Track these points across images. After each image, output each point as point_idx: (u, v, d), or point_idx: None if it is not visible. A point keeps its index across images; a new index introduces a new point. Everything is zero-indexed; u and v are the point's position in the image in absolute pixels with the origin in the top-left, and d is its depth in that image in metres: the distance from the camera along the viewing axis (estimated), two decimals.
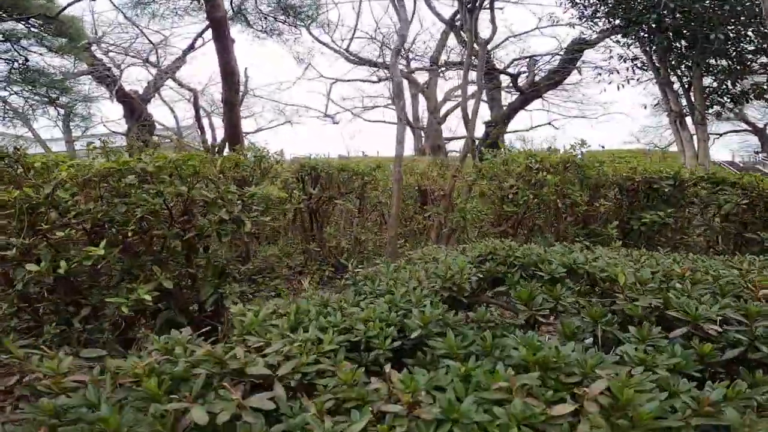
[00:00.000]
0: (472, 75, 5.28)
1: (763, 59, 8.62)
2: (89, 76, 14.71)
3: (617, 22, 9.40)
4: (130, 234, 2.02)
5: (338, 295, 1.56)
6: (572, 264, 1.63)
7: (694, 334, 1.22)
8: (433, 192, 5.00)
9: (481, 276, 1.66)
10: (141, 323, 2.20)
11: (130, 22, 14.57)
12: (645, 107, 17.88)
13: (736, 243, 4.00)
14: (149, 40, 15.53)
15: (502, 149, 3.73)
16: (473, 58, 4.67)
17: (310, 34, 16.73)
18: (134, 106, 15.15)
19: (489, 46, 16.49)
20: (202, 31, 15.45)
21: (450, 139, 21.69)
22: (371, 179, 4.31)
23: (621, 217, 3.91)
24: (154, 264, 1.98)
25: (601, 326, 1.28)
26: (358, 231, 4.08)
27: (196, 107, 17.23)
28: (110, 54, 15.47)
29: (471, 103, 4.75)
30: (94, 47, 14.44)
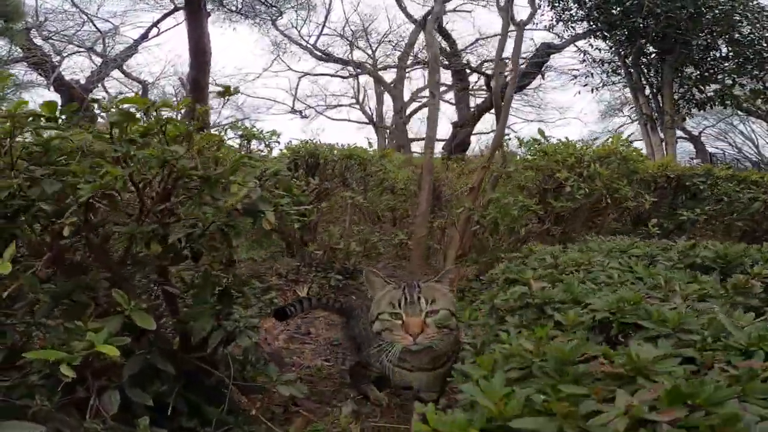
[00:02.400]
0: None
1: (730, 66, 9.03)
2: (24, 63, 12.75)
3: (597, 25, 9.45)
4: (66, 232, 1.17)
5: None
6: None
7: None
8: (440, 188, 4.41)
9: None
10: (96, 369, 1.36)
11: (78, 9, 12.89)
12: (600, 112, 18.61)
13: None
14: (96, 28, 13.88)
15: (543, 139, 3.21)
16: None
17: (276, 28, 15.76)
18: (74, 96, 13.32)
19: (459, 46, 16.43)
20: (158, 21, 14.11)
21: (413, 140, 21.39)
22: (380, 169, 3.63)
23: (657, 213, 3.56)
24: (115, 285, 1.18)
25: None
26: (368, 231, 3.37)
27: None
28: (50, 41, 13.56)
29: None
30: (33, 32, 12.58)
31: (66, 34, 13.72)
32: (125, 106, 1.20)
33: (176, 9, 14.61)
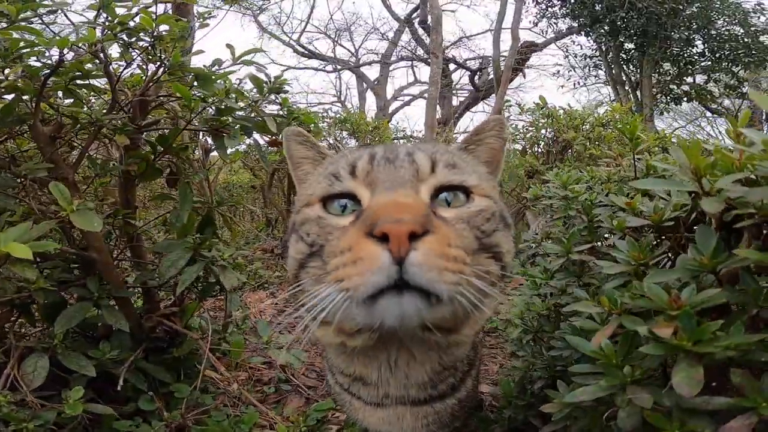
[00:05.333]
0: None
1: (706, 62, 9.27)
2: None
3: (581, 21, 9.51)
4: (10, 75, 0.88)
5: None
6: None
7: None
8: None
9: None
10: (18, 322, 1.01)
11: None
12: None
13: None
14: (70, 21, 13.08)
15: (543, 104, 3.02)
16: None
17: (259, 25, 15.31)
18: None
19: (444, 44, 16.43)
20: (135, 14, 13.44)
21: (394, 139, 21.19)
22: (375, 138, 3.34)
23: None
24: (42, 184, 0.84)
25: None
26: None
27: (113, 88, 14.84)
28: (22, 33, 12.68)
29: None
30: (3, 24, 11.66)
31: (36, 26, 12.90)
32: None
33: (155, 3, 13.99)
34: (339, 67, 18.04)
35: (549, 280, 0.76)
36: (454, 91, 16.34)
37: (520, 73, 14.71)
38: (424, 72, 18.86)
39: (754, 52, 8.78)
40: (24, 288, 0.88)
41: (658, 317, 0.35)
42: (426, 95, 18.18)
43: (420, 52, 15.98)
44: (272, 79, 1.39)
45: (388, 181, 0.55)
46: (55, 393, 0.92)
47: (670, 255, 0.43)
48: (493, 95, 16.17)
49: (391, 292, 0.47)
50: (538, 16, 10.52)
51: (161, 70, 1.06)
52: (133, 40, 1.02)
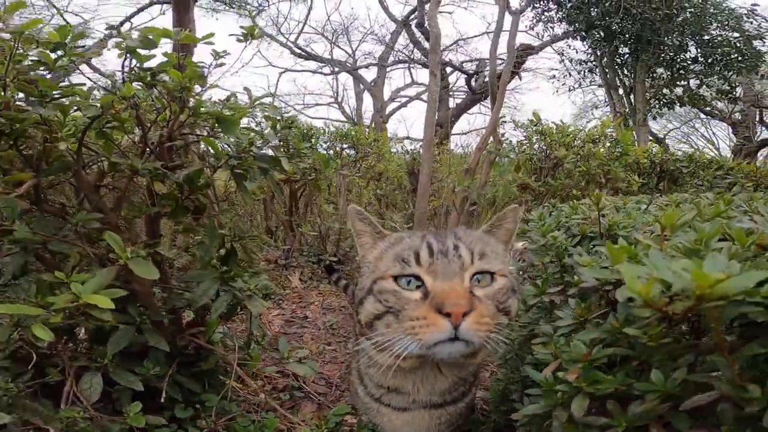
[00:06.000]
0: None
1: (699, 67, 9.44)
2: None
3: (576, 25, 9.66)
4: (62, 146, 1.01)
5: None
6: None
7: None
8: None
9: None
10: (72, 350, 1.16)
11: (48, 2, 12.21)
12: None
13: None
14: (66, 22, 13.16)
15: (537, 121, 3.18)
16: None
17: (257, 26, 15.38)
18: None
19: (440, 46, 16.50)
20: (132, 15, 13.56)
21: (392, 139, 21.33)
22: (374, 151, 3.49)
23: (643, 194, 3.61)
24: (109, 230, 0.98)
25: None
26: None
27: None
28: None
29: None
30: (1, 25, 11.74)
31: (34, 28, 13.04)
32: (149, 35, 1.02)
33: (152, 3, 14.07)
34: (337, 69, 18.09)
35: (527, 311, 0.92)
36: (450, 93, 16.48)
37: (516, 76, 14.87)
38: (421, 73, 18.97)
39: (746, 57, 8.96)
40: (73, 315, 1.03)
41: (572, 366, 0.52)
42: (424, 97, 18.22)
43: (417, 54, 16.07)
44: (284, 117, 1.54)
45: (444, 273, 0.81)
46: (100, 405, 1.07)
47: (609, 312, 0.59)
48: (483, 101, 16.33)
49: (446, 341, 0.76)
50: (534, 20, 10.68)
51: (185, 114, 1.19)
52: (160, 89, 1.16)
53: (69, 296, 0.77)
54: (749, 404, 0.41)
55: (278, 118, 1.46)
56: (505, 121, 3.42)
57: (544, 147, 3.00)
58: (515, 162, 3.09)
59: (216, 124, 1.19)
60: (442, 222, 3.33)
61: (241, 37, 1.35)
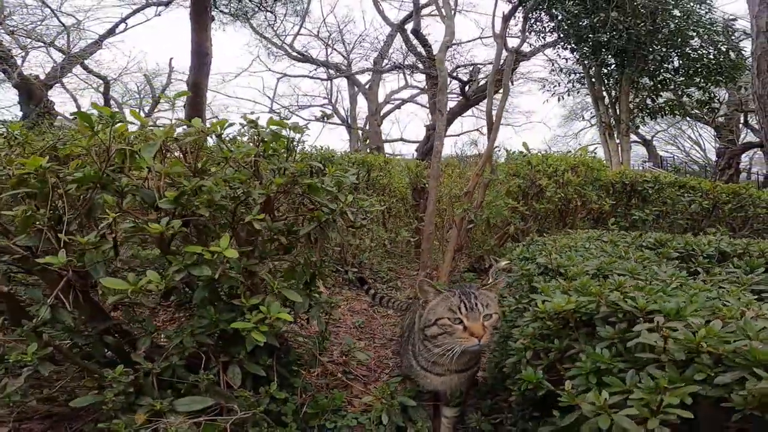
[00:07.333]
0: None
1: (680, 78, 10.06)
2: None
3: (567, 39, 10.22)
4: (257, 226, 1.51)
5: None
6: None
7: None
8: (424, 190, 4.89)
9: None
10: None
11: (41, 2, 12.42)
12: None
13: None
14: (60, 23, 13.41)
15: (525, 151, 3.78)
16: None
17: (253, 28, 15.72)
18: (33, 91, 12.79)
19: (434, 51, 16.99)
20: (127, 17, 13.81)
21: (385, 142, 21.86)
22: (387, 178, 4.06)
23: (615, 213, 4.22)
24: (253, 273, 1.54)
25: None
26: (376, 229, 3.80)
27: (106, 97, 15.35)
28: (14, 35, 12.95)
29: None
30: None
31: (26, 28, 13.25)
32: (274, 127, 1.58)
33: (148, 5, 14.30)
34: (332, 72, 18.38)
35: (510, 312, 1.52)
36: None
37: (510, 82, 15.36)
38: (415, 76, 19.43)
39: (724, 68, 9.57)
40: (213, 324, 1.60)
41: (527, 337, 1.12)
42: (418, 99, 18.48)
43: (411, 59, 16.44)
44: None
45: (472, 318, 1.50)
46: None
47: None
48: (483, 102, 16.82)
49: (475, 346, 1.48)
50: (528, 31, 11.23)
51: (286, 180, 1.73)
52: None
53: (260, 316, 1.35)
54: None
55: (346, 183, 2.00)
56: (499, 151, 4.00)
57: (529, 174, 3.59)
58: (506, 188, 3.69)
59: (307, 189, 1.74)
60: (445, 234, 3.91)
61: (320, 118, 1.90)
